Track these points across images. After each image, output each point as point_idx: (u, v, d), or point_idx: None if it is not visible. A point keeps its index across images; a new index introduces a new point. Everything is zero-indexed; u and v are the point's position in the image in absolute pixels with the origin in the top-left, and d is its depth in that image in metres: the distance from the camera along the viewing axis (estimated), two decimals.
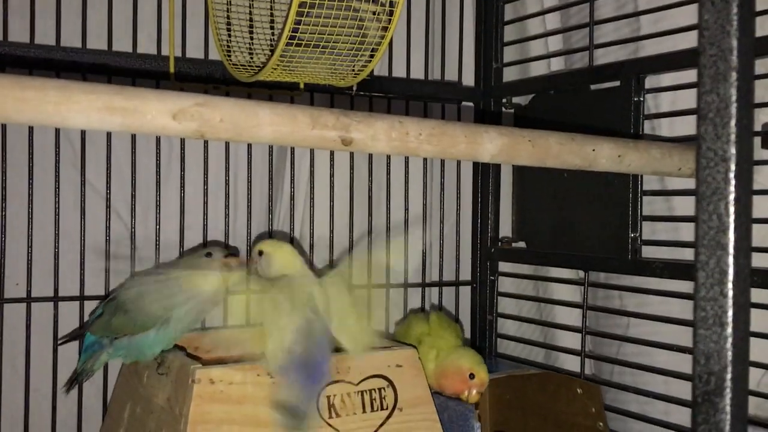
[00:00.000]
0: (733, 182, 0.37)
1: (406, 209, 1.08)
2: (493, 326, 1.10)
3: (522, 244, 1.08)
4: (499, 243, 1.10)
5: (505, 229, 1.10)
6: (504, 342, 1.10)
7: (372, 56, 0.84)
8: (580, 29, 0.99)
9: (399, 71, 1.08)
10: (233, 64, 0.94)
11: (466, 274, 1.12)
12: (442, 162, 1.12)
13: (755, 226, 0.73)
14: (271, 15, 0.98)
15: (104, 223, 0.94)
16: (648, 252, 0.91)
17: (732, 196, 0.37)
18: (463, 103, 1.13)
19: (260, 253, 0.83)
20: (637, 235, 0.90)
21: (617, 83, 0.93)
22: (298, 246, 1.03)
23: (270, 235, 1.00)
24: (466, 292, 1.12)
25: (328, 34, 0.80)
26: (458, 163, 1.11)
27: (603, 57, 0.97)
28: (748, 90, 0.38)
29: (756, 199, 0.78)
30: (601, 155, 0.74)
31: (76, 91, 0.55)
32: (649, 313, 0.91)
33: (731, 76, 0.37)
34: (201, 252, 0.88)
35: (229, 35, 0.96)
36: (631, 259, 0.90)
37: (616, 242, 0.92)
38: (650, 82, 0.91)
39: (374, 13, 0.81)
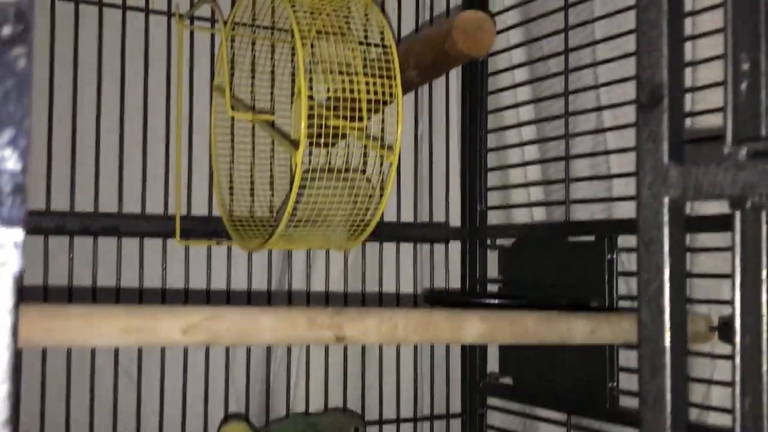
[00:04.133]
0: None
1: (398, 350, 1.14)
2: None
3: (509, 380, 1.14)
4: (487, 378, 1.15)
5: (494, 363, 1.16)
6: None
7: (365, 226, 0.91)
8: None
9: (390, 215, 1.15)
10: (233, 221, 1.01)
11: (456, 407, 1.18)
12: None
13: None
14: (271, 174, 1.06)
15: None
16: (626, 401, 0.96)
17: None
18: (451, 241, 1.19)
19: None
20: (614, 384, 0.96)
21: (592, 238, 1.00)
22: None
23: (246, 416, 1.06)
24: (456, 424, 1.18)
25: (325, 211, 0.87)
26: None
27: (580, 209, 1.05)
28: (683, 381, 0.44)
29: None
30: (575, 331, 0.80)
31: (97, 316, 0.62)
32: None
33: (665, 370, 0.44)
34: None
35: (232, 193, 1.04)
36: (609, 408, 0.96)
37: (595, 390, 0.97)
38: (624, 240, 0.98)
39: (368, 194, 0.88)
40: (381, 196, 0.88)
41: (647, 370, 0.45)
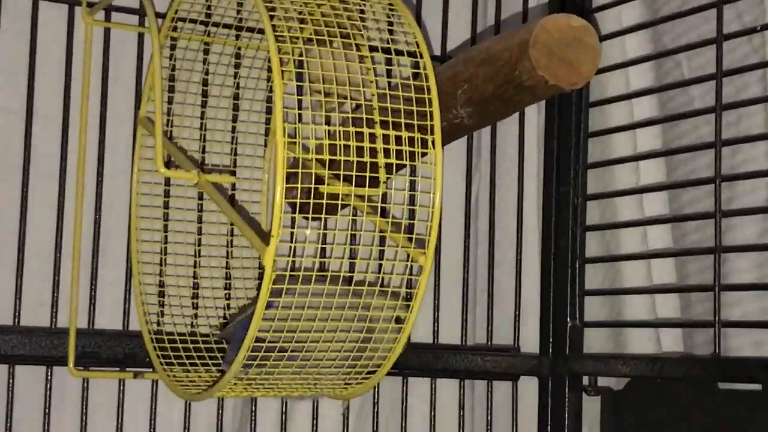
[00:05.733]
0: None
1: None
2: None
3: None
4: None
5: None
6: None
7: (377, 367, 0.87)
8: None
9: (422, 333, 1.12)
10: (159, 342, 0.98)
11: None
12: None
13: None
14: (227, 266, 1.04)
15: None
16: None
17: None
18: (522, 378, 1.17)
19: None
20: None
21: (758, 386, 0.98)
22: None
23: None
24: None
25: (311, 341, 0.83)
26: None
27: (736, 336, 1.03)
28: None
29: None
30: None
31: None
32: None
33: None
34: None
35: (162, 295, 1.03)
36: None
37: None
38: None
39: (382, 316, 0.83)
40: (404, 320, 0.85)
41: None
